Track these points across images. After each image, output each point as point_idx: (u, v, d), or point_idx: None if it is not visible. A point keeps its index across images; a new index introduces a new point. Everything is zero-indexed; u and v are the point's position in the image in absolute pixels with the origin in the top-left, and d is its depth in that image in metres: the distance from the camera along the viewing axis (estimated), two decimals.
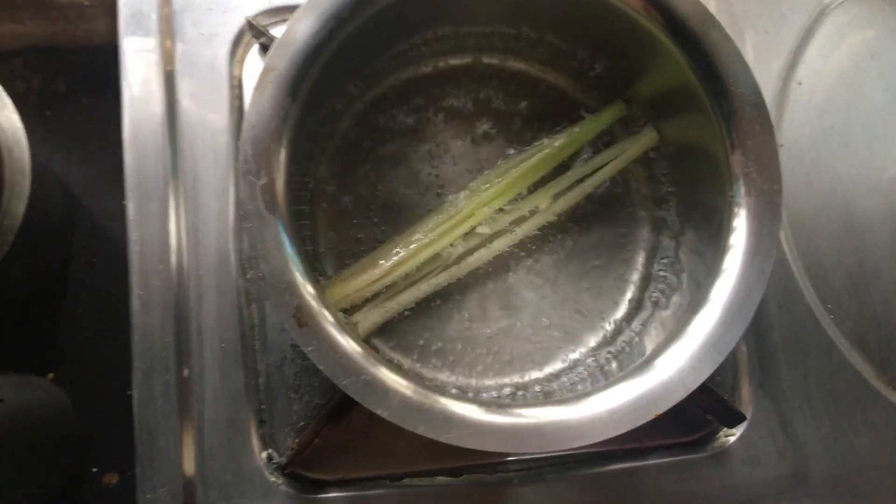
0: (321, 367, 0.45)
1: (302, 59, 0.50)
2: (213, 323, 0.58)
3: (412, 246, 0.57)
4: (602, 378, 0.57)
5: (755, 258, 0.50)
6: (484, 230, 0.59)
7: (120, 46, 0.62)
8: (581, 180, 0.61)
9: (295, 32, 0.50)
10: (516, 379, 0.59)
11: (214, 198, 0.60)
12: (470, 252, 0.59)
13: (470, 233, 0.59)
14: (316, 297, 0.47)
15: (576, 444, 0.46)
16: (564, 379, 0.59)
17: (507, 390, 0.59)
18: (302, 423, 0.58)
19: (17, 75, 0.85)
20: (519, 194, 0.60)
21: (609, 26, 0.57)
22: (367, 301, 0.57)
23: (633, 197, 0.64)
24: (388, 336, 0.59)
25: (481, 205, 0.58)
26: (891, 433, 0.63)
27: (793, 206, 0.66)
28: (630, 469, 0.60)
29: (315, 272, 0.56)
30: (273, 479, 0.56)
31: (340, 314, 0.55)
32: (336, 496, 0.57)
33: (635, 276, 0.62)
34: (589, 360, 0.60)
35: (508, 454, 0.59)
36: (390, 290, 0.58)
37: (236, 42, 0.63)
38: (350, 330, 0.48)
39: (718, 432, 0.62)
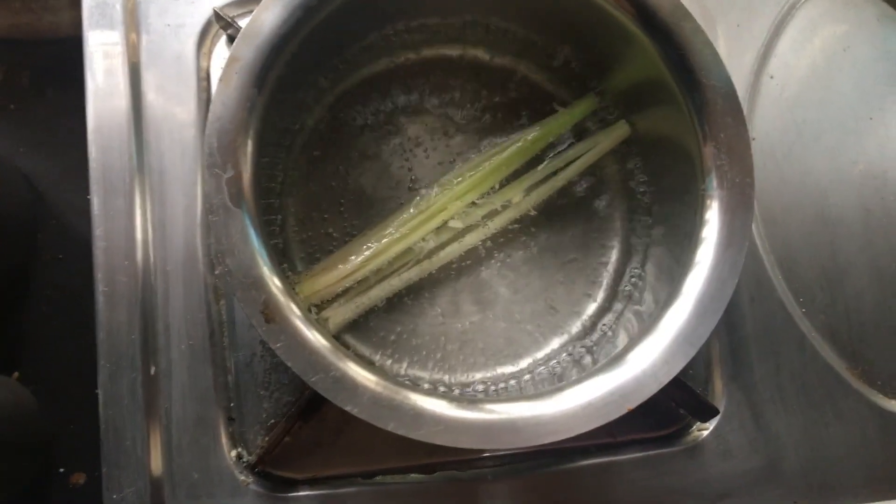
0: (289, 364, 0.45)
1: (268, 49, 0.49)
2: (181, 319, 0.58)
3: (384, 240, 0.56)
4: (577, 372, 0.57)
5: (727, 251, 0.50)
6: (456, 224, 0.58)
7: (84, 37, 0.61)
8: (554, 174, 0.61)
9: (261, 21, 0.49)
10: (489, 373, 0.59)
11: (181, 192, 0.60)
12: (442, 246, 0.59)
13: (442, 227, 0.58)
14: (284, 292, 0.46)
15: (549, 440, 0.46)
16: (538, 372, 0.59)
17: (479, 385, 0.58)
18: (272, 421, 0.57)
19: None
20: (491, 188, 0.60)
21: (580, 17, 0.57)
22: (338, 296, 0.57)
23: (605, 190, 0.63)
24: (360, 332, 0.59)
25: (453, 199, 0.58)
26: (861, 425, 0.63)
27: (764, 200, 0.66)
28: (604, 464, 0.60)
29: (284, 267, 0.55)
30: (242, 477, 0.56)
31: (310, 310, 0.54)
32: (307, 495, 0.56)
33: (608, 270, 0.62)
34: (563, 355, 0.59)
35: (481, 450, 0.58)
36: (361, 285, 0.57)
37: (203, 33, 0.62)
38: (319, 325, 0.47)
39: (692, 426, 0.62)
